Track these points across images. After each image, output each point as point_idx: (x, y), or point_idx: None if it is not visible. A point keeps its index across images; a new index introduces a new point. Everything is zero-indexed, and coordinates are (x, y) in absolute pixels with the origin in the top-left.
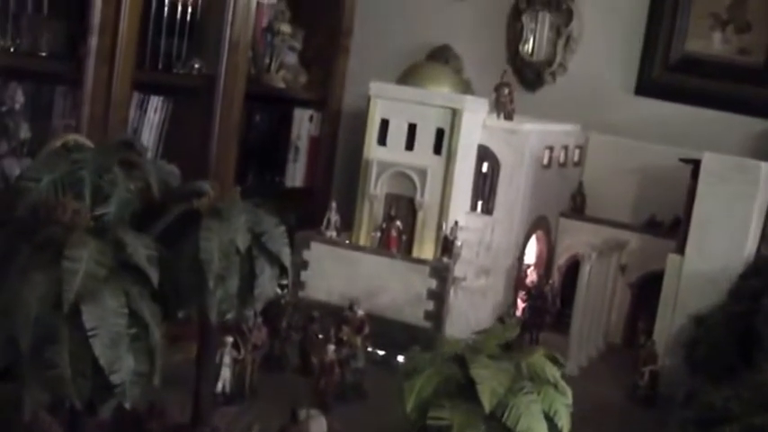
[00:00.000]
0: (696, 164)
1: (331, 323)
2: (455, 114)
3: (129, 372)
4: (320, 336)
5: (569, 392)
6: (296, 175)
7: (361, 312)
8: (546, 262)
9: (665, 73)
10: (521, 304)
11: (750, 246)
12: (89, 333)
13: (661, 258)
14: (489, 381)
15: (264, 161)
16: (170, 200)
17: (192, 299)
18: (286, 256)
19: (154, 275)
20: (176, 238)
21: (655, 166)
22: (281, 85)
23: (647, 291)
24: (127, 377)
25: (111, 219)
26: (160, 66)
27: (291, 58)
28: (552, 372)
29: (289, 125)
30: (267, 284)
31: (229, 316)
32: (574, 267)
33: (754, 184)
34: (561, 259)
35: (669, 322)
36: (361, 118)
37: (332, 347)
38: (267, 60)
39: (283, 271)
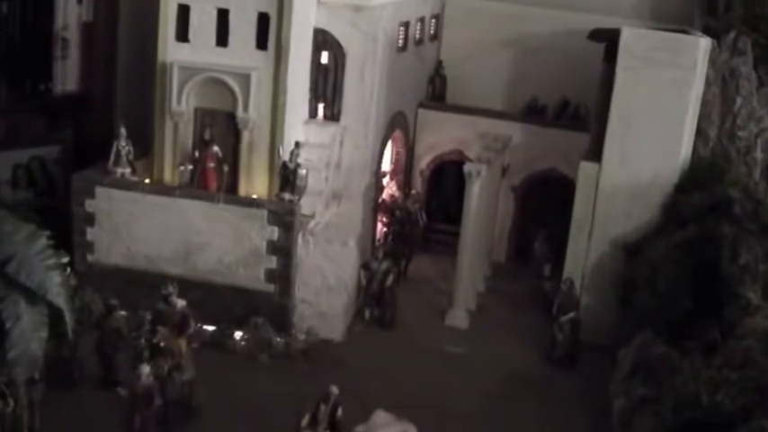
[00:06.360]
0: (611, 40)
1: (141, 317)
2: None
3: None
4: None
5: None
6: (67, 76)
7: (181, 303)
8: (405, 167)
9: None
10: (381, 228)
11: (686, 147)
12: None
13: (549, 154)
14: None
15: (22, 63)
16: None
17: None
18: (54, 288)
19: None
20: None
21: (531, 34)
22: None
23: (534, 195)
24: None
25: None
26: None
27: None
28: None
29: (50, 10)
30: (30, 338)
31: None
32: (439, 170)
33: (690, 67)
34: (423, 162)
35: (584, 251)
36: None
37: (146, 369)
38: None
39: (57, 315)
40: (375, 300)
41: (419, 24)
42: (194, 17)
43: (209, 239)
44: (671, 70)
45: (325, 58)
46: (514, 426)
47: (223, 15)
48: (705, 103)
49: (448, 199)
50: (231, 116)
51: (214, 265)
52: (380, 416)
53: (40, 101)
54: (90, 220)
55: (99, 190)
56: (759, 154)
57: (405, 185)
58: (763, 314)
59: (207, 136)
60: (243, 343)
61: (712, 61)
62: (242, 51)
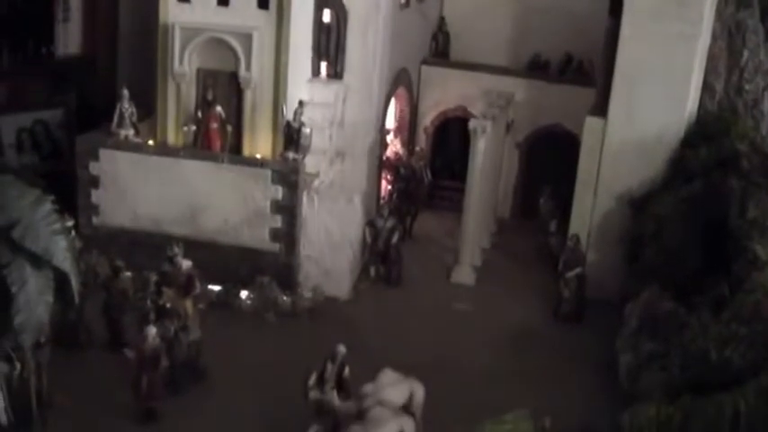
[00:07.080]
0: None
1: (147, 279)
2: None
3: None
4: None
5: None
6: (69, 39)
7: (187, 264)
8: (409, 124)
9: None
10: (386, 186)
11: (692, 101)
12: None
13: (554, 110)
14: None
15: (24, 26)
16: None
17: None
18: (60, 253)
19: None
20: None
21: None
22: None
23: (538, 151)
24: None
25: None
26: None
27: None
28: None
29: None
30: (36, 303)
31: None
32: (443, 127)
33: (696, 20)
34: (427, 119)
35: (590, 206)
36: None
37: (152, 331)
38: None
39: (63, 280)
40: (381, 257)
41: None
42: None
43: (214, 200)
44: (677, 24)
45: (327, 16)
46: (521, 382)
47: None
48: (711, 57)
49: (452, 156)
50: (234, 76)
51: (219, 225)
52: (388, 375)
53: (42, 64)
54: (95, 182)
55: (103, 152)
56: (766, 107)
57: (409, 143)
58: None
59: (210, 96)
60: (249, 302)
61: (719, 14)
62: (243, 10)
